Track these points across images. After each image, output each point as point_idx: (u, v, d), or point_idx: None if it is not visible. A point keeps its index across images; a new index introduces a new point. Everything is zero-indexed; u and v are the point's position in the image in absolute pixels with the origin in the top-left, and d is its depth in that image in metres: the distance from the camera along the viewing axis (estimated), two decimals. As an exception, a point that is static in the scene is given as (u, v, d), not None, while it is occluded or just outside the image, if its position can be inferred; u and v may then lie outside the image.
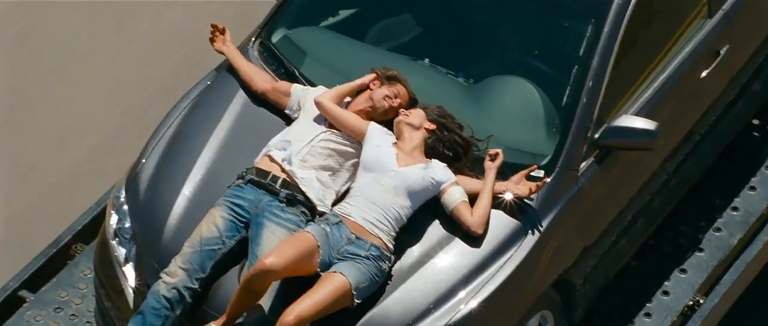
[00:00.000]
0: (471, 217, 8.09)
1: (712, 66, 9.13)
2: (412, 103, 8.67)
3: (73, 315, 8.77)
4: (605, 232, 8.81)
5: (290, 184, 8.11)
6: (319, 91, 8.53)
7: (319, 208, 8.12)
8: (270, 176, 8.10)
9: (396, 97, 8.42)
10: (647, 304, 9.15)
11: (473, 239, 8.23)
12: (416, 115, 8.32)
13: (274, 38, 8.96)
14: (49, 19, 13.91)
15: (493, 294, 8.04)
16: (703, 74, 9.04)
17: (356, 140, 8.49)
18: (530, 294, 8.31)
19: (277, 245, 7.77)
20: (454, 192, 8.13)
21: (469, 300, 7.98)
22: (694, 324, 9.02)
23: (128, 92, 12.20)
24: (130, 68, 12.57)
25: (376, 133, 8.28)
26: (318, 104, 8.37)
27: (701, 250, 9.25)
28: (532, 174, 8.31)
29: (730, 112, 9.61)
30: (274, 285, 8.06)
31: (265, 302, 7.98)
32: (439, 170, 8.14)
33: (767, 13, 9.74)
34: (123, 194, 8.45)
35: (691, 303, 9.01)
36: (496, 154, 8.26)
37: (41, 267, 9.00)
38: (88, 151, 11.68)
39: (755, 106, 9.94)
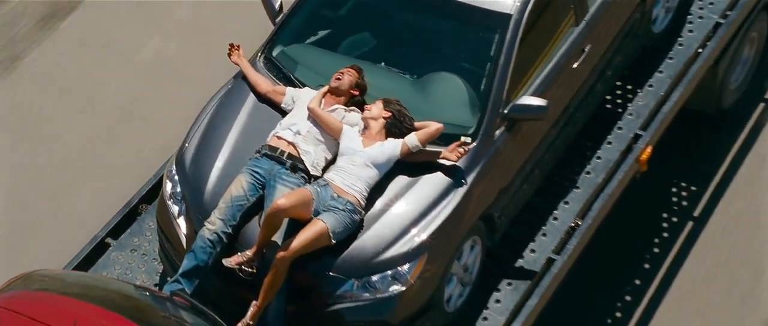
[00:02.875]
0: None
1: (580, 60, 8.12)
2: (362, 88, 7.63)
3: (143, 254, 7.82)
4: (514, 179, 7.79)
5: (293, 156, 7.17)
6: (306, 90, 7.57)
7: (313, 173, 7.17)
8: (278, 151, 7.17)
9: (343, 75, 7.46)
10: (543, 227, 8.19)
11: (421, 191, 7.29)
12: (376, 108, 7.35)
13: (274, 53, 7.96)
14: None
15: (438, 228, 7.12)
16: (575, 65, 8.06)
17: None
18: (464, 226, 7.35)
19: (285, 194, 6.96)
20: (412, 138, 7.16)
21: (421, 233, 7.08)
22: (575, 239, 8.05)
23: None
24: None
25: (347, 131, 7.32)
26: (310, 110, 7.36)
27: (578, 188, 8.31)
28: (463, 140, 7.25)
29: (592, 91, 8.55)
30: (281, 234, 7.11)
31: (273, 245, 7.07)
32: (393, 144, 7.20)
33: (614, 22, 8.61)
34: (174, 168, 7.54)
35: (573, 225, 8.09)
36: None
37: (120, 222, 8.13)
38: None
39: (609, 86, 8.87)
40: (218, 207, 7.06)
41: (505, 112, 7.44)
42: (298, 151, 7.19)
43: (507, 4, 7.63)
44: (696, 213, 9.84)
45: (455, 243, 7.22)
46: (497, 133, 7.47)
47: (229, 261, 6.91)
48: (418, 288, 7.05)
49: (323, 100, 7.40)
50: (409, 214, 7.14)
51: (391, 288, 6.99)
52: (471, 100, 7.57)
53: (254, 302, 6.91)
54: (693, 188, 10.01)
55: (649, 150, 8.59)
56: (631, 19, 8.86)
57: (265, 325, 6.99)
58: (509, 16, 7.58)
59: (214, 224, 6.98)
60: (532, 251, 8.05)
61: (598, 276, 9.44)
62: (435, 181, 7.24)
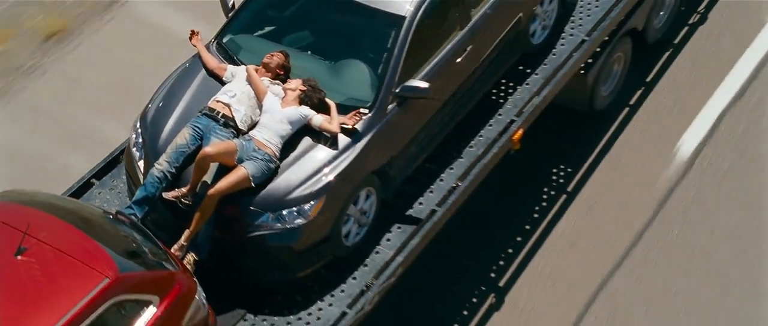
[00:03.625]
0: (330, 127, 7.82)
1: (462, 56, 8.77)
2: (287, 69, 8.25)
3: (119, 192, 8.57)
4: (406, 145, 8.43)
5: (226, 116, 7.84)
6: (243, 68, 8.21)
7: (241, 128, 7.85)
8: (215, 111, 7.85)
9: (273, 56, 8.15)
10: (431, 186, 8.76)
11: (327, 145, 7.94)
12: (295, 83, 8.01)
13: (224, 40, 8.67)
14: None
15: (335, 177, 7.76)
16: (458, 61, 8.70)
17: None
18: (358, 177, 7.96)
19: (213, 143, 7.61)
20: (318, 118, 7.86)
21: (320, 180, 7.75)
22: (454, 196, 8.65)
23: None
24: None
25: (270, 95, 7.98)
26: (247, 71, 8.09)
27: (462, 158, 8.91)
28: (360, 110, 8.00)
29: (476, 82, 9.18)
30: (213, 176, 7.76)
31: (204, 185, 7.72)
32: (305, 109, 7.89)
33: (494, 31, 9.18)
34: (138, 123, 8.26)
35: (454, 185, 8.70)
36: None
37: (103, 167, 8.83)
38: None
39: (492, 80, 9.47)
40: (166, 152, 7.75)
41: (397, 90, 8.13)
42: (231, 111, 7.86)
43: (403, 8, 8.29)
44: (569, 189, 10.46)
45: (349, 190, 7.88)
46: (390, 106, 8.17)
47: (169, 195, 7.62)
48: (318, 222, 7.74)
49: (256, 72, 8.10)
50: (313, 165, 7.82)
51: (296, 221, 7.68)
52: (371, 81, 8.25)
53: (187, 229, 7.60)
54: (569, 169, 10.59)
55: (520, 132, 9.18)
56: (511, 31, 9.37)
57: (195, 247, 7.64)
58: (403, 18, 8.26)
59: (162, 165, 7.69)
60: (420, 203, 8.63)
61: (491, 232, 10.07)
62: (335, 141, 7.90)
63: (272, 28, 8.80)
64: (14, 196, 6.91)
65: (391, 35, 8.29)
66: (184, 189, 7.64)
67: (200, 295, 7.01)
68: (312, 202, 7.72)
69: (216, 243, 7.75)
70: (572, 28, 10.14)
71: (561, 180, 10.57)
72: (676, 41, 11.89)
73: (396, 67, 8.22)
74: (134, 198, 7.77)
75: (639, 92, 11.38)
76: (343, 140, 7.95)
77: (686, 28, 12.01)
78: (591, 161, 10.74)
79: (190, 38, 8.67)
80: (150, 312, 6.45)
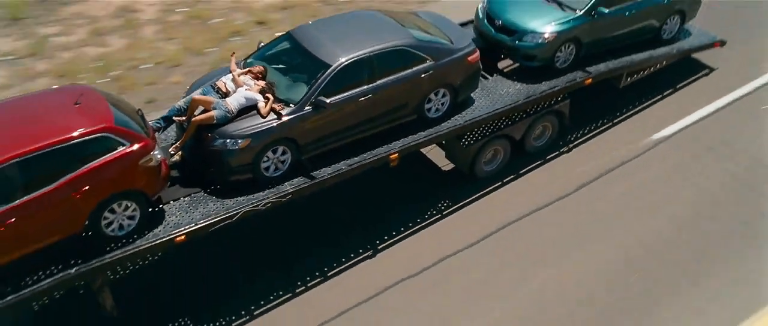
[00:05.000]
0: (262, 110, 13.33)
1: (364, 99, 13.80)
2: (263, 75, 13.80)
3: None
4: (314, 132, 13.57)
5: (220, 89, 13.73)
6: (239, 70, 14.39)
7: (224, 93, 13.66)
8: (216, 86, 13.77)
9: (257, 67, 13.93)
10: (333, 165, 13.87)
11: (261, 117, 13.27)
12: (261, 82, 13.56)
13: (247, 60, 14.47)
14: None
15: (261, 131, 13.14)
16: (361, 100, 13.84)
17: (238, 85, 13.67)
18: (275, 137, 13.18)
19: (201, 95, 13.58)
20: (260, 104, 13.29)
21: (254, 129, 13.16)
22: (336, 173, 13.75)
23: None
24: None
25: (243, 86, 13.50)
26: (232, 71, 13.96)
27: (355, 157, 14.02)
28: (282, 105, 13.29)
29: (377, 118, 14.12)
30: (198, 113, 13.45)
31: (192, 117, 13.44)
32: (257, 96, 13.41)
33: (392, 95, 14.24)
34: (189, 88, 15.16)
35: (343, 168, 13.92)
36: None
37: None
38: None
39: (390, 123, 14.38)
40: (184, 97, 14.03)
41: (312, 100, 13.62)
42: (225, 87, 14.01)
43: (332, 60, 13.70)
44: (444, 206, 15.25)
45: (266, 142, 13.31)
46: (306, 108, 13.61)
47: (177, 119, 13.82)
48: (244, 152, 13.16)
49: (247, 75, 14.18)
50: (249, 124, 13.34)
51: (232, 147, 13.16)
52: (302, 92, 13.72)
53: (181, 139, 13.68)
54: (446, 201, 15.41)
55: (395, 155, 14.24)
56: (408, 101, 14.46)
57: (184, 149, 13.72)
58: (329, 65, 13.76)
59: (179, 103, 13.93)
60: (318, 171, 13.90)
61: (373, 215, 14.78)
62: (265, 117, 13.46)
63: (268, 56, 14.72)
64: (96, 88, 13.58)
65: (320, 72, 13.82)
66: (183, 117, 13.89)
67: (157, 153, 12.74)
68: (241, 140, 13.28)
69: (194, 151, 13.69)
70: (459, 117, 15.23)
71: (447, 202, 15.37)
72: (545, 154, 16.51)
73: (317, 88, 13.74)
74: (161, 116, 14.17)
75: (515, 175, 16.15)
76: (270, 117, 13.52)
77: (555, 153, 16.70)
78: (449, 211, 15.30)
79: (232, 55, 14.95)
80: (121, 148, 12.31)
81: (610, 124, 17.09)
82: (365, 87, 14.17)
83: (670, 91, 18.05)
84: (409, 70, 14.59)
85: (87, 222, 12.53)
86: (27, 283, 12.11)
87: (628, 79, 17.32)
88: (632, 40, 17.24)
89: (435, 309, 13.81)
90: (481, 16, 17.03)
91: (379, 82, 14.26)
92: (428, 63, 14.79)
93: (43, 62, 18.45)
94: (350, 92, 14.08)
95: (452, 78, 15.15)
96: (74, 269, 12.28)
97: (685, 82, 18.34)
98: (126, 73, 18.30)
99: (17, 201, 11.93)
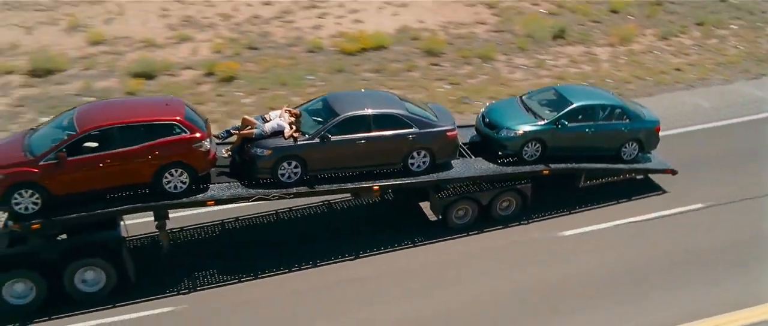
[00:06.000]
0: (285, 134, 19.50)
1: (359, 143, 19.08)
2: (297, 116, 19.63)
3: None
4: (318, 158, 19.37)
5: (265, 118, 20.33)
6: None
7: (267, 121, 20.29)
8: (263, 116, 20.70)
9: (295, 110, 20.01)
10: (325, 184, 19.99)
11: (284, 139, 19.71)
12: (293, 118, 20.11)
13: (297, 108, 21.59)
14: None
15: (279, 147, 19.65)
16: (357, 143, 19.44)
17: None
18: (290, 154, 19.49)
19: (251, 117, 21.21)
20: (286, 131, 19.24)
21: (275, 145, 19.72)
22: (330, 189, 19.96)
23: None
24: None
25: (281, 118, 19.97)
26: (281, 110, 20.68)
27: (348, 182, 20.20)
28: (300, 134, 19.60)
29: (371, 160, 20.09)
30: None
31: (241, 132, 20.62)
32: (286, 125, 19.53)
33: (381, 147, 19.58)
34: (260, 119, 22.35)
35: (337, 188, 20.25)
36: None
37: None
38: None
39: (379, 166, 19.94)
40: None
41: (321, 135, 19.62)
42: (269, 115, 20.53)
43: (343, 112, 19.85)
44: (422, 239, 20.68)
45: (283, 156, 19.37)
46: (315, 139, 19.55)
47: (234, 132, 20.55)
48: (269, 159, 19.51)
49: (286, 113, 20.75)
50: (274, 142, 19.36)
51: (261, 154, 19.61)
52: (316, 127, 19.65)
53: (233, 144, 20.51)
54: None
55: (377, 188, 19.85)
56: (394, 155, 19.90)
57: (233, 152, 20.46)
58: (339, 114, 20.19)
59: (237, 123, 21.30)
60: (317, 185, 20.17)
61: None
62: (286, 140, 19.74)
63: (307, 108, 21.28)
64: (185, 101, 21.13)
65: (331, 117, 19.90)
66: (236, 133, 20.54)
67: (207, 143, 19.40)
68: (266, 150, 19.39)
69: (238, 154, 20.18)
70: (435, 174, 20.51)
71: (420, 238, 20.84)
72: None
73: (326, 128, 19.73)
74: (225, 130, 21.18)
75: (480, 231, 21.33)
76: (290, 140, 19.57)
77: (517, 223, 21.83)
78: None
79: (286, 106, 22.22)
80: (184, 134, 18.73)
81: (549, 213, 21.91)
82: (362, 134, 19.82)
83: (614, 201, 22.36)
84: (397, 131, 20.27)
85: (153, 178, 19.28)
86: (115, 204, 18.98)
87: (587, 182, 22.15)
88: (592, 153, 22.01)
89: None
90: (478, 117, 22.61)
91: (373, 134, 19.92)
92: (413, 129, 20.39)
93: (543, 70, 29.26)
94: (350, 135, 19.73)
95: (432, 144, 20.40)
96: (151, 203, 19.04)
97: (639, 196, 22.82)
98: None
99: (114, 150, 18.56)
